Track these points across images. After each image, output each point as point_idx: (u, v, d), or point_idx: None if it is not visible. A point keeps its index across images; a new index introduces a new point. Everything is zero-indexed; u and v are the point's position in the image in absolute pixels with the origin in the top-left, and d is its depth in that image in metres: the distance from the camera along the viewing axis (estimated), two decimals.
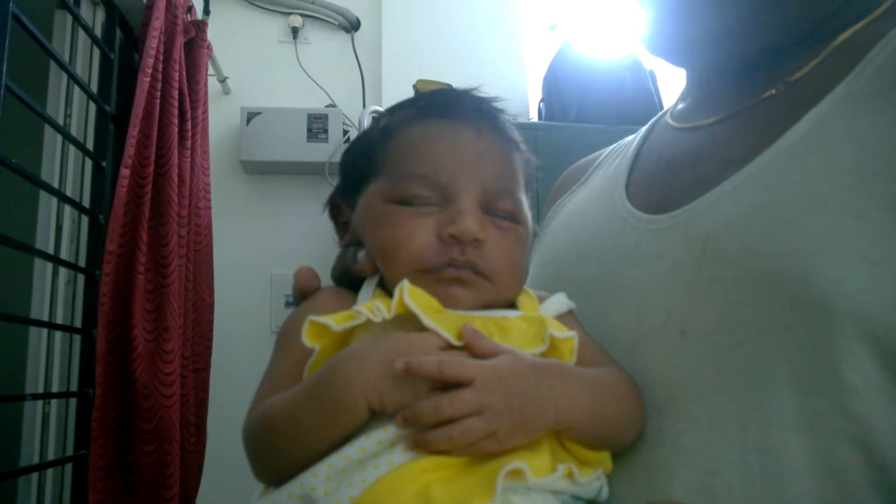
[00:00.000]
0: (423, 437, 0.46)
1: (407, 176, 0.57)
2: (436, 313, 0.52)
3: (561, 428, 0.49)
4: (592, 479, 0.50)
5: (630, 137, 0.79)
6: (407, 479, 0.45)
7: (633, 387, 0.55)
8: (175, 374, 1.60)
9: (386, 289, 0.57)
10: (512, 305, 0.59)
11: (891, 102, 0.49)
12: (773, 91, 0.60)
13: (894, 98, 0.49)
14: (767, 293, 0.49)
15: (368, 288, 0.58)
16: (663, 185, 0.65)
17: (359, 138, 0.66)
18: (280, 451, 0.50)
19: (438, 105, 0.61)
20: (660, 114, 0.79)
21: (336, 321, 0.51)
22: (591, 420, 0.50)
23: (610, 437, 0.53)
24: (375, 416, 0.48)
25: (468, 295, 0.55)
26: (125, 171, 1.53)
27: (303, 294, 0.60)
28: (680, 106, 0.74)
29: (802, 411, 0.47)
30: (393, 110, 0.64)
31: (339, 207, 0.66)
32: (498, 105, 0.63)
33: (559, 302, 0.60)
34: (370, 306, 0.51)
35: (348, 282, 0.60)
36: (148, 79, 1.61)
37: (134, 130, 1.56)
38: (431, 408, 0.46)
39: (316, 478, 0.47)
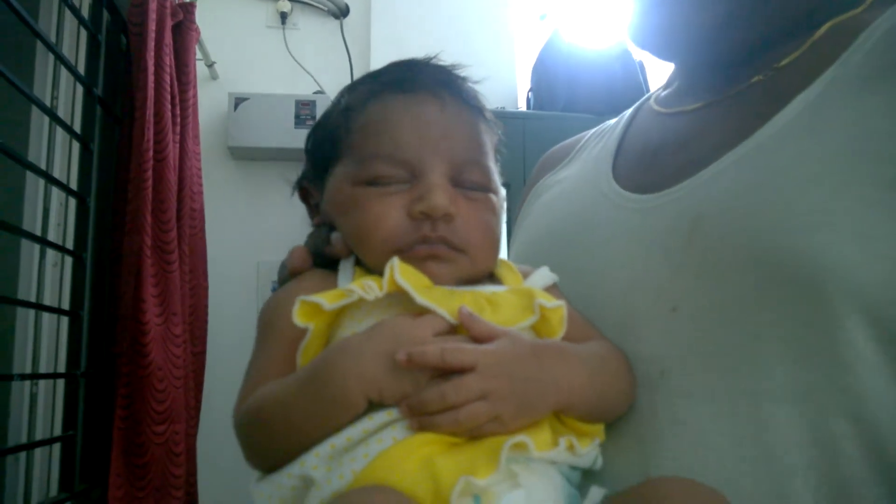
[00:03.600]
0: (428, 421, 0.46)
1: (371, 156, 0.56)
2: (427, 289, 0.52)
3: (562, 408, 0.50)
4: (590, 450, 0.51)
5: (613, 121, 0.79)
6: (410, 450, 0.45)
7: (624, 360, 0.56)
8: (182, 356, 1.63)
9: (365, 267, 0.57)
10: (493, 279, 0.60)
11: (880, 86, 0.50)
12: (761, 77, 0.61)
13: (882, 82, 0.50)
14: (760, 270, 0.49)
15: (346, 267, 0.58)
16: (651, 167, 0.66)
17: (321, 120, 0.65)
18: (274, 443, 0.50)
19: (397, 79, 0.59)
20: (643, 98, 0.79)
21: (328, 300, 0.51)
22: (591, 398, 0.51)
23: (606, 411, 0.54)
24: (371, 406, 0.48)
25: (444, 270, 0.55)
26: (146, 154, 1.56)
27: (294, 274, 0.60)
28: (665, 92, 0.74)
29: (795, 385, 0.47)
30: (352, 87, 0.63)
31: (307, 191, 0.65)
32: (459, 73, 0.62)
33: (543, 276, 0.60)
34: (361, 284, 0.51)
35: (322, 262, 0.60)
36: (153, 63, 1.62)
37: (143, 112, 1.58)
38: (437, 396, 0.46)
39: (318, 457, 0.47)
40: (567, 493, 0.48)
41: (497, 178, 0.61)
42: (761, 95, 0.59)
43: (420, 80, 0.59)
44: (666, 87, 0.75)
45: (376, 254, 0.54)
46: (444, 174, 0.55)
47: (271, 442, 0.49)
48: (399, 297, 0.52)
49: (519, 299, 0.54)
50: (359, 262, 0.58)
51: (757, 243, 0.50)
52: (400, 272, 0.51)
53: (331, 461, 0.47)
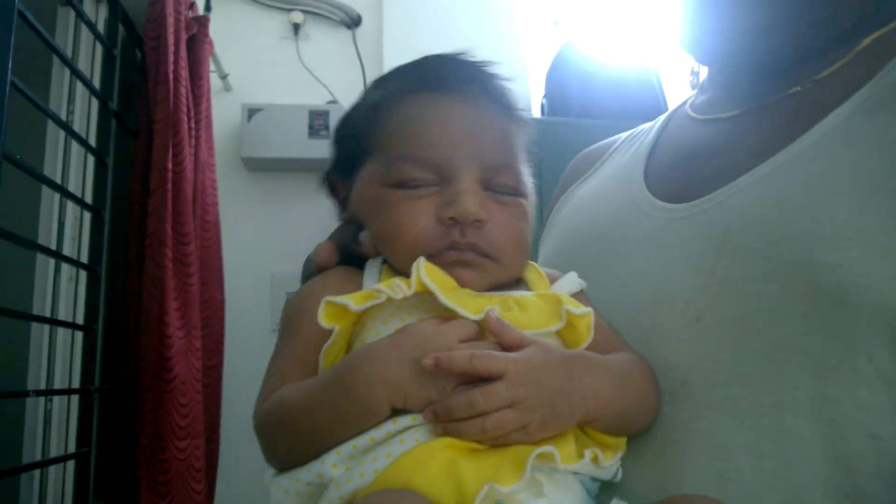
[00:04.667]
0: (454, 427, 0.45)
1: (401, 158, 0.55)
2: (453, 290, 0.51)
3: (590, 420, 0.49)
4: (613, 462, 0.51)
5: (647, 125, 0.79)
6: (434, 453, 0.45)
7: (650, 372, 0.55)
8: (201, 370, 1.63)
9: (392, 267, 0.56)
10: (520, 283, 0.58)
11: None
12: (799, 88, 0.60)
13: None
14: (786, 283, 0.49)
15: (373, 266, 0.57)
16: (683, 174, 0.65)
17: (349, 113, 0.63)
18: (297, 444, 0.49)
19: (428, 77, 0.58)
20: (678, 104, 0.78)
21: (354, 301, 0.50)
22: (617, 410, 0.51)
23: (631, 424, 0.53)
24: (392, 412, 0.48)
25: (473, 276, 0.54)
26: (168, 166, 1.58)
27: (320, 270, 0.59)
28: (700, 98, 0.73)
29: (816, 399, 0.47)
30: (381, 82, 0.62)
31: (334, 185, 0.64)
32: (491, 70, 0.60)
33: (571, 281, 0.59)
34: (389, 284, 0.50)
35: (347, 258, 0.59)
36: (173, 76, 1.62)
37: (166, 124, 1.59)
38: (465, 402, 0.45)
39: (339, 456, 0.47)
40: (587, 502, 0.48)
41: (528, 182, 0.59)
42: (798, 107, 0.59)
43: (451, 78, 0.57)
44: (702, 92, 0.74)
45: (404, 257, 0.53)
46: (475, 178, 0.54)
47: (293, 443, 0.49)
48: (425, 299, 0.51)
49: (546, 304, 0.53)
50: (386, 262, 0.57)
51: (784, 256, 0.50)
52: (426, 272, 0.50)
53: (351, 460, 0.47)
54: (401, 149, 0.55)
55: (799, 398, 0.48)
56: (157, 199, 1.62)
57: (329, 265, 0.59)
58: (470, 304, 0.50)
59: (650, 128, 0.77)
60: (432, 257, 0.53)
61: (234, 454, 1.91)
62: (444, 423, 0.46)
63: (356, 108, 0.63)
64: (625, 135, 0.81)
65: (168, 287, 1.57)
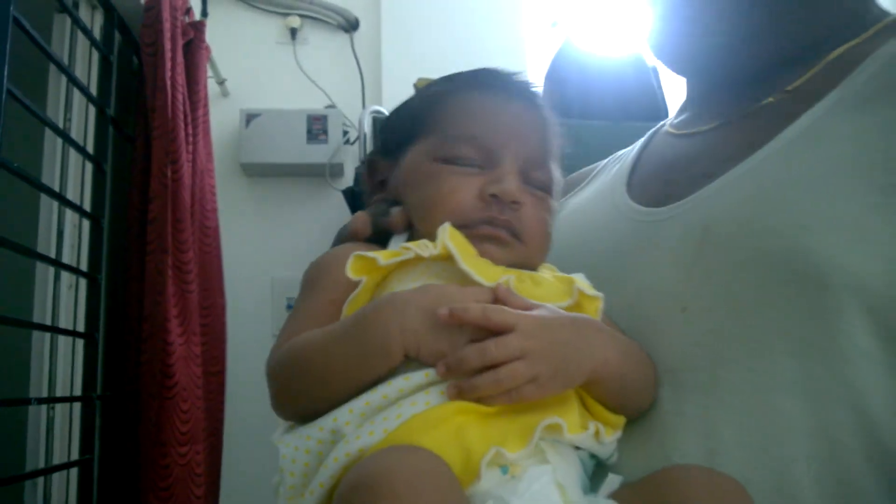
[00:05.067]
0: (468, 383, 0.47)
1: (457, 136, 0.60)
2: (473, 258, 0.55)
3: (596, 378, 0.51)
4: (613, 440, 0.53)
5: (628, 149, 0.83)
6: (443, 417, 0.46)
7: (648, 358, 0.58)
8: (202, 376, 1.63)
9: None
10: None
11: (878, 106, 0.55)
12: (771, 99, 0.64)
13: (880, 104, 0.55)
14: (766, 269, 0.53)
15: (398, 241, 0.60)
16: (664, 182, 0.69)
17: (402, 105, 0.70)
18: (307, 386, 0.51)
19: (486, 80, 0.66)
20: (659, 124, 0.83)
21: (383, 256, 0.53)
22: (621, 374, 0.53)
23: (631, 397, 0.56)
24: (407, 363, 0.49)
25: (500, 253, 0.58)
26: (167, 171, 1.58)
27: (353, 237, 0.63)
28: (679, 117, 0.78)
29: (800, 377, 0.50)
30: (443, 80, 0.68)
31: (376, 166, 0.69)
32: (537, 88, 0.68)
33: (581, 277, 0.61)
34: (417, 244, 0.54)
35: (374, 238, 0.63)
36: (170, 83, 1.62)
37: (165, 130, 1.59)
38: (478, 352, 0.47)
39: (352, 413, 0.48)
40: (583, 480, 0.50)
41: (557, 184, 0.65)
42: (771, 115, 0.63)
43: (510, 85, 0.65)
44: (680, 113, 0.80)
45: (440, 224, 0.56)
46: (517, 167, 0.60)
47: (305, 386, 0.51)
48: (446, 268, 0.55)
49: (560, 283, 0.58)
50: (410, 239, 0.60)
51: (763, 244, 0.53)
52: (449, 236, 0.54)
53: (363, 418, 0.48)
54: (458, 128, 0.61)
55: (781, 377, 0.50)
56: (158, 206, 1.62)
57: (363, 235, 0.63)
58: (486, 272, 0.54)
59: (631, 149, 0.82)
60: (467, 228, 0.57)
61: (236, 459, 1.91)
62: (457, 378, 0.47)
63: (410, 101, 0.69)
64: (606, 159, 0.87)
65: (168, 294, 1.57)
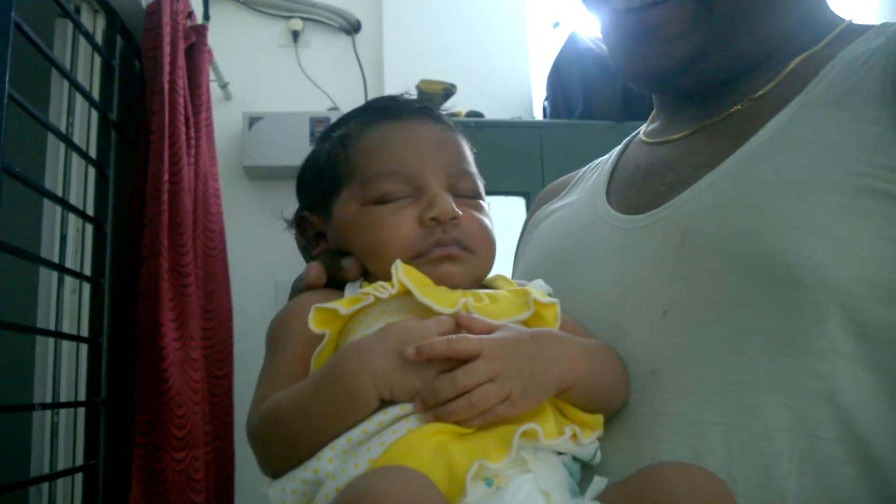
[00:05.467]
0: (443, 410, 0.48)
1: (376, 176, 0.61)
2: (429, 288, 0.57)
3: (565, 386, 0.53)
4: (592, 440, 0.54)
5: (605, 157, 0.86)
6: (424, 438, 0.48)
7: (618, 355, 0.60)
8: (202, 380, 1.62)
9: (371, 283, 0.60)
10: (493, 288, 0.63)
11: (841, 109, 0.57)
12: (739, 107, 0.67)
13: (842, 107, 0.57)
14: (742, 271, 0.55)
15: (353, 288, 0.61)
16: (641, 190, 0.71)
17: (311, 157, 0.71)
18: (290, 444, 0.51)
19: (384, 108, 0.67)
20: (633, 133, 0.85)
21: (343, 305, 0.55)
22: (591, 377, 0.55)
23: (605, 397, 0.57)
24: (382, 403, 0.50)
25: (458, 270, 0.60)
26: (164, 178, 1.57)
27: (310, 288, 0.64)
28: (652, 126, 0.80)
29: (776, 374, 0.52)
30: (341, 122, 0.69)
31: (307, 222, 0.70)
32: (429, 102, 0.70)
33: (538, 285, 0.63)
34: (374, 286, 0.55)
35: (330, 285, 0.64)
36: (167, 86, 1.61)
37: (162, 135, 1.58)
38: (448, 382, 0.49)
39: (334, 450, 0.49)
40: (570, 484, 0.51)
41: (481, 185, 0.67)
42: (740, 122, 0.65)
43: (404, 107, 0.67)
44: (651, 121, 0.81)
45: (393, 262, 0.57)
46: (443, 185, 0.61)
47: (288, 444, 0.52)
48: (405, 302, 0.56)
49: (516, 297, 0.59)
50: (367, 281, 0.61)
51: (739, 247, 0.55)
52: (403, 272, 0.55)
53: (345, 455, 0.49)
54: (375, 168, 0.62)
55: (760, 375, 0.52)
56: (153, 210, 1.61)
57: (319, 284, 0.64)
58: (444, 299, 0.55)
59: (607, 158, 0.84)
60: (421, 256, 0.59)
61: (246, 463, 1.91)
62: (433, 407, 0.49)
63: (317, 152, 0.70)
64: (584, 168, 0.89)
65: (164, 298, 1.56)
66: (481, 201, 0.65)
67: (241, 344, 2.05)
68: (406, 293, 0.55)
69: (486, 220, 0.64)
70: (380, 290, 0.55)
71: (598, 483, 0.51)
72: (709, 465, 0.51)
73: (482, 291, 0.59)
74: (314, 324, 0.54)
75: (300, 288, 0.65)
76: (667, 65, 0.67)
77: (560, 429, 0.52)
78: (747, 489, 0.50)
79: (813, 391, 0.51)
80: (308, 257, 0.71)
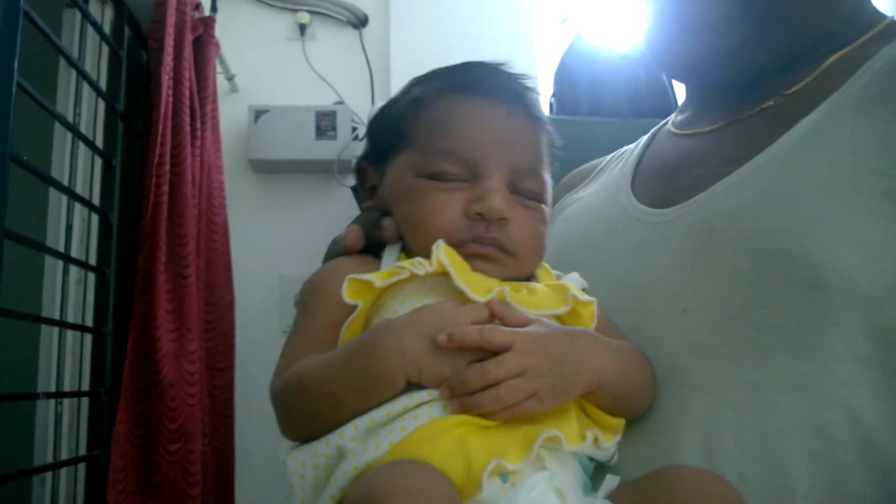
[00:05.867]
0: (470, 400, 0.48)
1: (436, 152, 0.59)
2: (467, 273, 0.55)
3: (594, 387, 0.52)
4: (612, 444, 0.54)
5: (631, 146, 0.84)
6: (446, 429, 0.48)
7: (646, 358, 0.59)
8: (198, 373, 1.61)
9: (409, 255, 0.59)
10: (531, 279, 0.62)
11: (874, 111, 0.56)
12: (771, 102, 0.66)
13: (879, 107, 0.56)
14: (765, 270, 0.54)
15: (391, 253, 0.61)
16: (667, 183, 0.70)
17: (388, 105, 0.67)
18: (314, 413, 0.52)
19: (469, 80, 0.62)
20: (660, 123, 0.84)
21: (378, 278, 0.54)
22: (620, 381, 0.54)
23: (632, 401, 0.57)
24: (409, 385, 0.50)
25: (491, 269, 0.57)
26: (155, 171, 1.55)
27: (346, 252, 0.63)
28: (681, 117, 0.79)
29: (794, 375, 0.52)
30: (423, 80, 0.65)
31: (365, 173, 0.68)
32: (526, 82, 0.64)
33: (575, 279, 0.62)
34: (412, 262, 0.54)
35: (365, 246, 0.63)
36: (169, 77, 1.61)
37: (157, 128, 1.57)
38: (478, 373, 0.48)
39: (357, 429, 0.49)
40: (583, 481, 0.52)
41: (549, 189, 0.63)
42: (771, 119, 0.64)
43: (491, 85, 0.62)
44: (681, 112, 0.81)
45: (428, 244, 0.56)
46: (504, 179, 0.58)
47: (311, 412, 0.52)
48: (441, 283, 0.55)
49: (554, 292, 0.58)
50: (404, 249, 0.61)
51: (763, 245, 0.55)
52: (444, 253, 0.54)
53: (367, 434, 0.49)
54: (437, 143, 0.59)
55: (777, 375, 0.52)
56: (150, 201, 1.59)
57: (356, 248, 0.62)
58: (480, 286, 0.54)
59: (634, 147, 0.83)
60: (455, 248, 0.56)
61: (247, 455, 1.91)
62: (460, 397, 0.48)
63: (395, 102, 0.66)
64: (609, 156, 0.87)
65: (160, 290, 1.55)
66: (542, 205, 0.62)
67: (245, 337, 2.06)
68: (443, 274, 0.54)
69: (540, 227, 0.61)
70: (417, 266, 0.54)
71: (611, 481, 0.51)
72: (721, 462, 0.51)
73: (521, 283, 0.58)
74: (347, 294, 0.54)
75: (336, 251, 0.64)
76: (708, 54, 0.66)
77: (582, 433, 0.51)
78: (759, 488, 0.50)
79: (829, 393, 0.51)
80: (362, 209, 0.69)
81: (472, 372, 0.48)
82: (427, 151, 0.59)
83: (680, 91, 2.15)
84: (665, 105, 2.01)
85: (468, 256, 0.56)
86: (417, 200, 0.58)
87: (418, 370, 0.49)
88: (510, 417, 0.49)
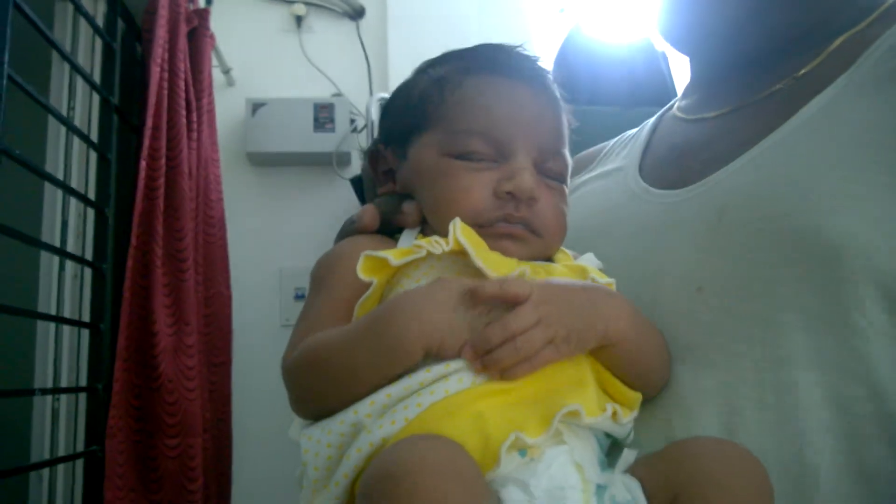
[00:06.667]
0: (489, 357, 0.48)
1: (465, 131, 0.58)
2: (485, 251, 0.55)
3: (611, 340, 0.52)
4: (630, 420, 0.53)
5: (634, 130, 0.84)
6: (462, 404, 0.47)
7: (658, 329, 0.59)
8: (196, 367, 1.60)
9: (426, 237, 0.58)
10: (549, 260, 0.62)
11: (886, 89, 0.56)
12: (780, 85, 0.65)
13: (890, 85, 0.56)
14: (780, 248, 0.54)
15: (409, 236, 0.60)
16: (677, 167, 0.69)
17: (407, 86, 0.66)
18: (327, 387, 0.51)
19: (494, 61, 0.62)
20: (665, 108, 0.83)
21: (394, 256, 0.53)
22: (634, 339, 0.54)
23: (646, 368, 0.56)
24: (425, 359, 0.50)
25: (518, 249, 0.57)
26: (143, 164, 1.53)
27: (361, 232, 0.62)
28: (686, 101, 0.79)
29: (814, 351, 0.52)
30: (445, 60, 0.65)
31: (381, 156, 0.67)
32: (544, 65, 0.65)
33: (591, 259, 0.63)
34: (429, 241, 0.53)
35: (382, 230, 0.62)
36: (158, 69, 1.59)
37: (150, 122, 1.56)
38: (499, 328, 0.48)
39: (373, 405, 0.49)
40: (599, 457, 0.51)
41: (570, 171, 0.64)
42: (781, 101, 0.64)
43: (517, 65, 0.62)
44: (686, 96, 0.80)
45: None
46: (531, 159, 0.58)
47: (326, 385, 0.51)
48: (457, 262, 0.55)
49: (572, 273, 0.58)
50: (422, 233, 0.60)
51: (778, 224, 0.55)
52: (461, 231, 0.53)
53: (384, 409, 0.48)
54: (466, 122, 0.59)
55: (796, 352, 0.52)
56: (145, 195, 1.59)
57: (370, 229, 0.62)
58: (498, 265, 0.54)
59: (639, 130, 0.83)
60: (483, 227, 0.56)
61: (245, 449, 1.91)
62: (482, 355, 0.48)
63: (414, 83, 0.65)
64: (612, 141, 0.87)
65: (157, 284, 1.55)
66: (565, 186, 0.63)
67: (244, 332, 2.05)
68: (460, 253, 0.54)
69: (564, 207, 0.62)
70: (434, 245, 0.53)
71: (629, 455, 0.51)
72: (742, 440, 0.51)
73: (540, 263, 0.58)
74: (363, 271, 0.53)
75: (350, 231, 0.63)
76: (717, 26, 0.66)
77: (602, 405, 0.51)
78: (780, 464, 0.50)
79: (849, 369, 0.51)
80: (373, 195, 0.68)
81: (493, 327, 0.48)
82: (455, 131, 0.59)
83: (679, 81, 2.14)
84: (664, 94, 1.99)
85: (496, 236, 0.56)
86: (445, 180, 0.58)
87: (439, 339, 0.48)
88: (530, 370, 0.48)
